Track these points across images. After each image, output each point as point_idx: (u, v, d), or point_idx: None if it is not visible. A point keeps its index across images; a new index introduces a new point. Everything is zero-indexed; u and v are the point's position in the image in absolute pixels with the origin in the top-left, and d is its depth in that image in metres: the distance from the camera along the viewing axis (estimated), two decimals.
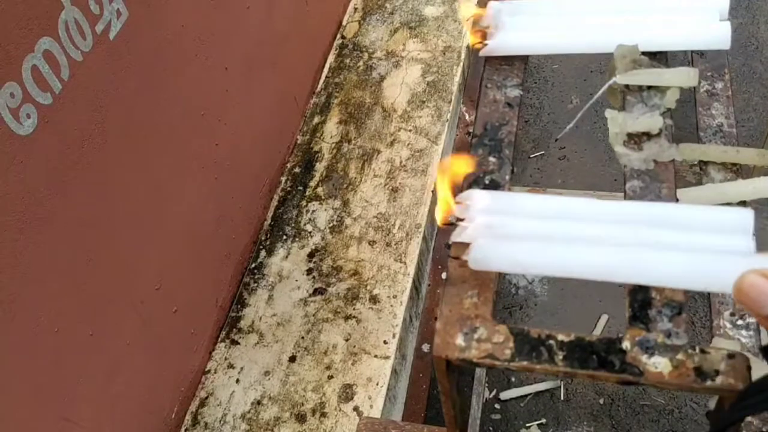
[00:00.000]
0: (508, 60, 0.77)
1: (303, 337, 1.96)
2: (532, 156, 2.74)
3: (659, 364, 0.53)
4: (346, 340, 1.94)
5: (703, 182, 0.76)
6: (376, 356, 1.91)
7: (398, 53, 2.67)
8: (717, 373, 0.53)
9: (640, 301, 0.57)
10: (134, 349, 1.65)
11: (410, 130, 2.41)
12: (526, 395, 2.21)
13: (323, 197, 2.28)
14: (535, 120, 2.88)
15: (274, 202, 2.30)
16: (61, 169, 1.37)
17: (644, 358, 0.54)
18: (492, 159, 0.69)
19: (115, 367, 1.59)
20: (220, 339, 2.00)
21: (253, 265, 2.15)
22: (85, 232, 1.45)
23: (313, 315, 2.01)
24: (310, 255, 2.14)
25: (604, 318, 2.27)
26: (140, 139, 1.61)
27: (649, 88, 0.72)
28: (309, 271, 2.11)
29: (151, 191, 1.68)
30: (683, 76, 0.71)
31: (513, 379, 2.26)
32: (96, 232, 1.49)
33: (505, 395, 2.20)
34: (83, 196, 1.44)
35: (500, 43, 0.77)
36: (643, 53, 0.73)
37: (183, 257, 1.83)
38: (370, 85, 2.58)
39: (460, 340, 0.57)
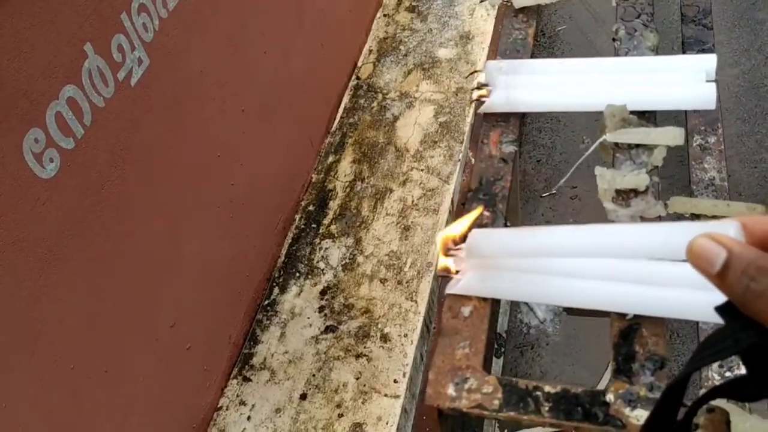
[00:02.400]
0: (504, 117, 0.81)
1: (314, 375, 1.98)
2: (543, 195, 2.77)
3: (641, 417, 0.55)
4: (357, 379, 1.95)
5: None
6: (386, 395, 1.92)
7: (412, 94, 2.73)
8: (696, 426, 0.54)
9: (624, 354, 0.59)
10: (149, 385, 1.68)
11: (422, 170, 2.45)
12: None
13: (336, 235, 2.32)
14: (547, 159, 2.91)
15: (288, 240, 2.34)
16: (81, 210, 1.42)
17: (627, 410, 0.56)
18: (486, 213, 0.72)
19: (130, 404, 1.62)
20: (232, 376, 2.03)
21: (266, 302, 2.18)
22: (102, 271, 1.50)
23: (325, 353, 2.03)
24: (323, 292, 2.17)
25: None
26: (158, 181, 1.67)
27: (638, 146, 0.75)
28: (321, 309, 2.13)
29: (167, 231, 1.73)
30: (670, 136, 0.74)
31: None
32: (113, 271, 1.54)
33: None
34: (101, 236, 1.48)
35: (496, 101, 0.80)
36: (632, 112, 0.76)
37: (197, 295, 1.87)
38: (383, 125, 2.64)
39: (451, 390, 0.60)
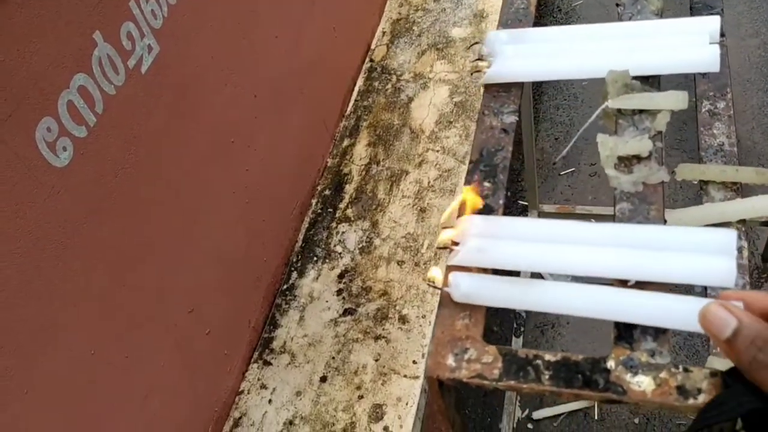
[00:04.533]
0: (505, 87, 0.80)
1: (333, 358, 1.99)
2: (562, 173, 2.74)
3: (642, 383, 0.54)
4: (376, 360, 1.96)
5: (703, 202, 0.77)
6: (405, 376, 1.92)
7: (426, 75, 2.71)
8: (699, 391, 0.53)
9: (625, 321, 0.58)
10: (169, 370, 1.71)
11: (438, 151, 2.44)
12: (559, 415, 2.19)
13: (353, 219, 2.32)
14: (565, 137, 2.88)
15: (305, 225, 2.35)
16: (96, 198, 1.43)
17: (628, 377, 0.55)
18: (487, 184, 0.72)
19: (151, 389, 1.65)
20: (252, 360, 2.05)
21: (285, 287, 2.20)
22: (119, 257, 1.52)
23: (344, 335, 2.04)
24: (340, 276, 2.18)
25: None
26: (172, 167, 1.68)
27: (641, 111, 0.73)
28: (339, 292, 2.14)
29: (183, 217, 1.74)
30: (673, 100, 0.72)
31: (545, 398, 2.25)
32: (130, 257, 1.55)
33: (538, 415, 2.18)
34: (117, 223, 1.50)
35: (497, 71, 0.79)
36: (635, 78, 0.74)
37: (215, 280, 1.88)
38: (398, 107, 2.62)
39: (450, 361, 0.59)
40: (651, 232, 0.63)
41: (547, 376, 0.57)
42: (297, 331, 2.08)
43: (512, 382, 0.57)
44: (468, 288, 0.63)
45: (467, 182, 0.72)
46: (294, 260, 2.26)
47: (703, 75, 0.89)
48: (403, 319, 2.03)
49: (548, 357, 0.58)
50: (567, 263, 0.63)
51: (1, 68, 1.19)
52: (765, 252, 2.11)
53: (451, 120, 2.53)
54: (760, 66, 2.99)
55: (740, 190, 0.79)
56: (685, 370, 0.55)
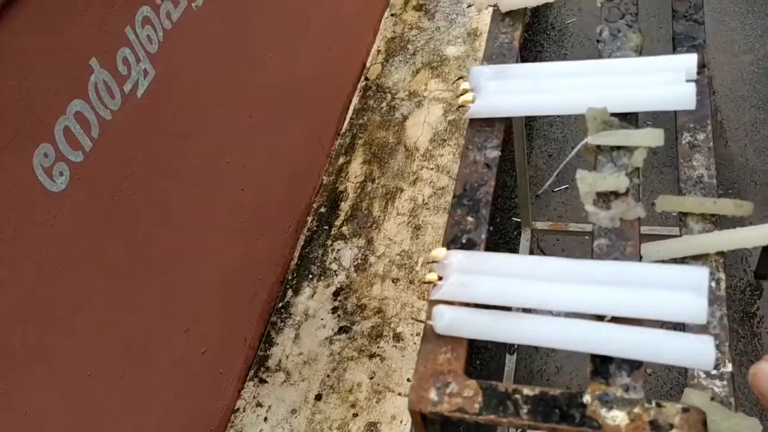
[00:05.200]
0: (489, 122, 0.82)
1: (328, 375, 2.00)
2: (555, 190, 2.76)
3: (617, 418, 0.56)
4: (371, 378, 1.97)
5: (682, 234, 0.79)
6: (399, 394, 1.93)
7: (420, 93, 2.74)
8: (671, 426, 0.55)
9: (602, 356, 0.60)
10: (165, 390, 1.72)
11: (432, 169, 2.46)
12: None
13: (348, 236, 2.34)
14: (558, 154, 2.90)
15: (301, 242, 2.37)
16: (93, 221, 1.45)
17: (603, 411, 0.57)
18: (470, 219, 0.74)
19: (147, 409, 1.66)
20: (248, 378, 2.06)
21: (280, 305, 2.21)
22: (115, 279, 1.53)
23: (338, 353, 2.05)
24: (336, 293, 2.20)
25: None
26: (167, 189, 1.70)
27: (619, 147, 0.75)
28: (334, 310, 2.16)
29: (178, 237, 1.76)
30: (650, 137, 0.74)
31: None
32: (126, 278, 1.57)
33: None
34: (114, 245, 1.52)
35: (481, 107, 0.82)
36: (614, 114, 0.76)
37: (211, 299, 1.90)
38: (393, 125, 2.65)
39: (432, 395, 0.61)
40: (627, 268, 0.65)
41: (525, 410, 0.58)
42: (292, 349, 2.10)
43: (492, 416, 0.59)
44: (450, 320, 0.65)
45: (449, 222, 0.74)
46: (289, 278, 2.28)
47: None
48: (397, 337, 2.05)
49: (527, 391, 0.60)
50: (545, 299, 0.65)
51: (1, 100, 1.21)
52: (758, 269, 2.12)
53: (445, 138, 2.55)
54: (753, 82, 3.02)
55: (719, 222, 0.81)
56: (658, 405, 0.57)
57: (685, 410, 0.56)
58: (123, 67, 1.53)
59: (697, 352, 0.60)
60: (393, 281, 2.18)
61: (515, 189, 2.59)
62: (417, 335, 2.04)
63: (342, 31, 2.70)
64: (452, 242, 0.73)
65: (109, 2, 1.47)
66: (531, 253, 2.40)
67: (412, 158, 2.51)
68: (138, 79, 1.58)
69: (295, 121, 2.33)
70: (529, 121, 2.93)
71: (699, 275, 0.64)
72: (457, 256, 0.68)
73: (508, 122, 0.86)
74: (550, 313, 0.63)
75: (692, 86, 0.77)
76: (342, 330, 2.10)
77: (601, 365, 0.59)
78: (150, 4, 1.60)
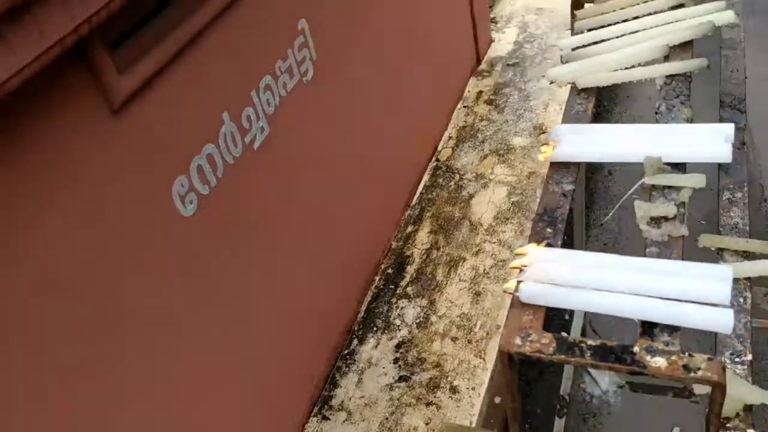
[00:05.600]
0: (565, 165, 1.04)
1: (387, 418, 2.15)
2: (602, 222, 2.94)
3: (658, 362, 0.74)
4: (426, 424, 2.12)
5: (719, 262, 0.98)
6: None
7: (487, 176, 2.99)
8: (699, 369, 0.73)
9: (649, 322, 0.78)
10: (237, 422, 1.91)
11: (494, 243, 2.67)
12: None
13: (412, 296, 2.54)
14: (612, 200, 3.10)
15: (368, 298, 2.57)
16: (206, 247, 1.71)
17: (648, 357, 0.75)
18: (548, 230, 0.94)
19: (225, 424, 1.85)
20: (312, 414, 2.23)
21: (346, 352, 2.40)
22: (212, 302, 1.77)
23: (398, 399, 2.21)
24: (398, 346, 2.38)
25: (677, 430, 2.33)
26: (268, 230, 1.95)
27: (669, 187, 0.96)
28: (395, 360, 2.33)
29: (265, 275, 1.99)
30: (695, 180, 0.95)
31: None
32: (219, 304, 1.80)
33: None
34: (217, 270, 1.77)
35: (560, 153, 1.04)
36: (667, 163, 0.97)
37: (284, 338, 2.11)
38: (459, 201, 2.89)
39: (518, 341, 0.80)
40: (670, 264, 0.84)
41: (588, 354, 0.77)
42: (355, 392, 2.27)
43: (563, 356, 0.77)
44: (532, 292, 0.84)
45: (532, 230, 0.95)
46: (356, 329, 2.47)
47: (726, 171, 1.12)
48: (453, 389, 2.20)
49: (590, 342, 0.78)
50: (607, 281, 0.84)
51: (157, 137, 1.50)
52: None
53: (508, 217, 2.77)
54: None
55: (749, 257, 1.00)
56: (690, 355, 0.75)
57: (710, 359, 0.74)
58: (246, 123, 1.83)
59: (719, 319, 0.77)
60: (452, 339, 2.35)
61: (572, 231, 2.79)
62: (472, 389, 2.19)
63: (420, 117, 3.01)
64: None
65: (242, 70, 1.78)
66: None
67: (476, 232, 2.73)
68: (256, 134, 1.87)
69: (373, 189, 2.59)
70: (591, 172, 3.14)
71: (724, 271, 0.82)
72: (539, 250, 0.88)
73: (580, 166, 1.07)
74: (609, 292, 0.82)
75: (729, 146, 0.97)
76: (402, 378, 2.27)
77: (648, 329, 0.78)
78: (271, 74, 1.92)
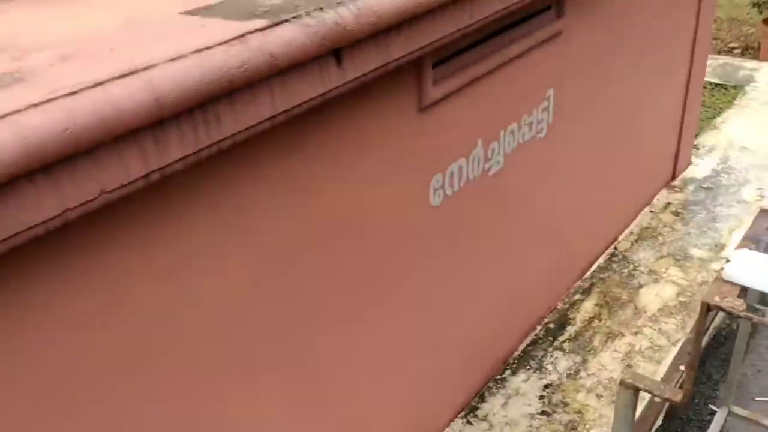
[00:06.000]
0: None
1: None
2: (756, 399, 3.00)
3: None
4: None
5: None
6: None
7: (660, 273, 3.22)
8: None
9: None
10: (399, 407, 2.27)
11: (655, 329, 2.88)
12: None
13: (567, 351, 2.80)
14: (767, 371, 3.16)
15: (527, 341, 2.87)
16: (447, 233, 2.13)
17: None
18: (752, 245, 1.26)
19: (377, 408, 2.22)
20: (459, 416, 2.54)
21: (499, 377, 2.70)
22: (422, 290, 2.18)
23: (537, 428, 2.47)
24: (546, 386, 2.65)
25: None
26: (478, 245, 2.36)
27: None
28: (541, 397, 2.60)
29: (465, 285, 2.38)
30: None
31: None
32: (425, 297, 2.21)
33: None
34: (440, 254, 2.18)
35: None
36: None
37: (453, 356, 2.46)
38: (628, 287, 3.14)
39: (717, 299, 1.11)
40: None
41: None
42: (499, 410, 2.56)
43: (751, 314, 1.07)
44: (733, 274, 1.16)
45: (743, 243, 1.27)
46: (511, 362, 2.78)
47: None
48: None
49: None
50: None
51: (438, 137, 1.97)
52: None
53: (673, 312, 2.98)
54: None
55: None
56: None
57: None
58: (490, 153, 2.27)
59: None
60: (597, 396, 2.59)
61: (724, 380, 2.89)
62: None
63: (610, 203, 3.33)
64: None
65: (500, 113, 2.24)
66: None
67: (639, 316, 2.96)
68: (493, 164, 2.30)
69: (553, 258, 2.93)
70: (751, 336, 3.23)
71: None
72: (744, 252, 1.19)
73: None
74: None
75: None
76: (544, 413, 2.53)
77: None
78: (517, 122, 2.36)
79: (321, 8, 1.28)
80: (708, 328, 1.87)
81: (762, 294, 1.45)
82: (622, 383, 1.27)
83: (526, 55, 2.27)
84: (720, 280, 1.20)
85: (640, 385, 1.28)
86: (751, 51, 6.56)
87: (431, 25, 1.58)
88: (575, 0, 2.42)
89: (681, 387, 1.26)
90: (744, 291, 1.16)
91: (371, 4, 1.38)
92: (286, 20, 1.22)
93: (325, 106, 1.49)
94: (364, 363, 2.02)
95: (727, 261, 1.23)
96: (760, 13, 6.32)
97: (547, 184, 2.69)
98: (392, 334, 2.10)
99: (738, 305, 1.11)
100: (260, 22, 1.21)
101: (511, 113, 2.32)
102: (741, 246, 1.31)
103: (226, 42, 1.13)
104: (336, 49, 1.33)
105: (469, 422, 2.52)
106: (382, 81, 1.64)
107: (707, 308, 1.12)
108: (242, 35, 1.15)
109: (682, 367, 1.87)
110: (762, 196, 1.39)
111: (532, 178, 2.57)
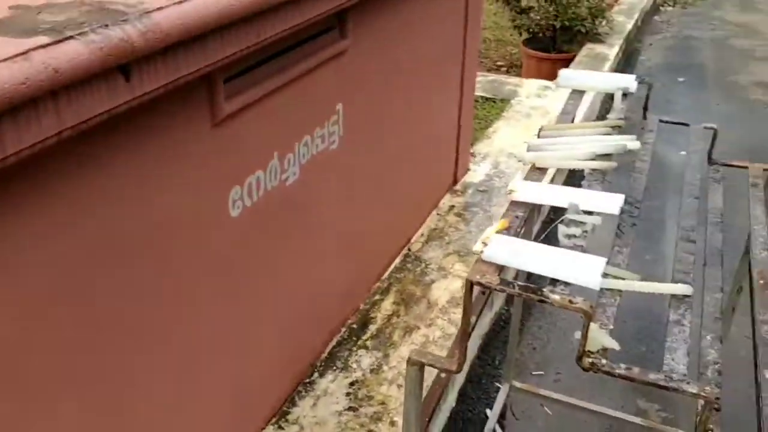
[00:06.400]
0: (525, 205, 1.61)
1: None
2: (533, 374, 3.42)
3: (556, 297, 1.26)
4: None
5: None
6: None
7: (447, 269, 3.54)
8: (578, 302, 1.26)
9: (554, 279, 1.31)
10: (208, 410, 2.30)
11: (445, 320, 3.17)
12: None
13: (370, 348, 2.99)
14: (540, 349, 3.61)
15: (333, 343, 3.01)
16: (243, 242, 2.19)
17: (550, 294, 1.28)
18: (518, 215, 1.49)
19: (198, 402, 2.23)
20: (270, 422, 2.60)
21: (307, 380, 2.81)
22: (234, 287, 2.22)
23: (345, 424, 2.61)
24: (351, 384, 2.80)
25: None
26: (277, 251, 2.44)
27: (582, 222, 1.52)
28: (348, 394, 2.75)
29: (267, 290, 2.46)
30: (594, 219, 1.51)
31: None
32: (233, 300, 2.25)
33: None
34: (242, 269, 2.23)
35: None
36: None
37: (262, 361, 2.53)
38: (422, 284, 3.42)
39: (477, 277, 1.31)
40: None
41: (516, 288, 1.29)
42: (309, 412, 2.66)
43: (504, 287, 1.28)
44: (491, 254, 1.36)
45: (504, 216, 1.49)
46: (318, 365, 2.89)
47: None
48: (393, 424, 2.61)
49: (519, 283, 1.30)
50: (534, 262, 1.37)
51: (233, 151, 2.03)
52: None
53: (460, 303, 3.29)
54: None
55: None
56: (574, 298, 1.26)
57: (586, 300, 1.24)
58: (286, 164, 2.37)
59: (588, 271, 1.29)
60: (398, 386, 2.79)
61: (504, 358, 3.25)
62: None
63: (402, 211, 3.60)
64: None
65: (293, 126, 2.36)
66: (503, 408, 3.01)
67: (432, 309, 3.24)
68: (289, 176, 2.41)
69: (351, 259, 3.11)
70: (524, 319, 3.67)
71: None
72: (501, 237, 1.41)
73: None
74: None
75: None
76: (350, 408, 2.68)
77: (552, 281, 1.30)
78: (310, 135, 2.50)
79: (106, 25, 1.30)
80: (482, 310, 2.12)
81: (518, 274, 1.72)
82: (409, 361, 1.43)
83: (315, 71, 2.41)
84: (480, 261, 1.41)
85: (424, 360, 1.45)
86: (515, 68, 7.39)
87: (220, 42, 1.64)
88: (357, 22, 2.61)
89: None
90: (501, 270, 1.38)
91: (158, 21, 1.41)
92: (71, 37, 1.22)
93: (120, 122, 1.49)
94: (168, 377, 2.01)
95: (484, 244, 1.45)
96: (520, 35, 7.17)
97: (342, 193, 2.85)
98: (197, 347, 2.11)
99: (494, 281, 1.32)
100: (44, 39, 1.20)
101: (304, 126, 2.45)
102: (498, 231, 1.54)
103: (8, 59, 1.11)
104: (123, 66, 1.35)
105: (280, 427, 2.59)
106: (174, 96, 1.67)
107: (470, 285, 1.32)
108: (25, 51, 1.14)
109: None
110: (512, 190, 1.65)
111: (328, 187, 2.72)
